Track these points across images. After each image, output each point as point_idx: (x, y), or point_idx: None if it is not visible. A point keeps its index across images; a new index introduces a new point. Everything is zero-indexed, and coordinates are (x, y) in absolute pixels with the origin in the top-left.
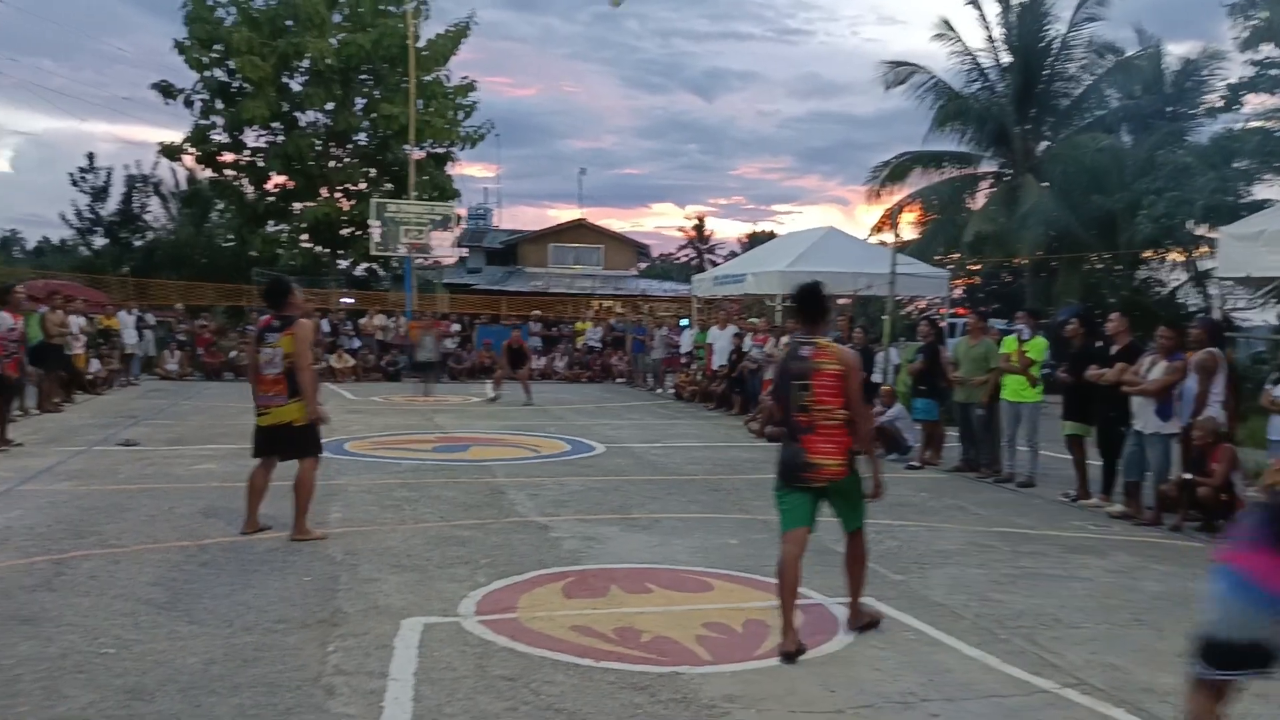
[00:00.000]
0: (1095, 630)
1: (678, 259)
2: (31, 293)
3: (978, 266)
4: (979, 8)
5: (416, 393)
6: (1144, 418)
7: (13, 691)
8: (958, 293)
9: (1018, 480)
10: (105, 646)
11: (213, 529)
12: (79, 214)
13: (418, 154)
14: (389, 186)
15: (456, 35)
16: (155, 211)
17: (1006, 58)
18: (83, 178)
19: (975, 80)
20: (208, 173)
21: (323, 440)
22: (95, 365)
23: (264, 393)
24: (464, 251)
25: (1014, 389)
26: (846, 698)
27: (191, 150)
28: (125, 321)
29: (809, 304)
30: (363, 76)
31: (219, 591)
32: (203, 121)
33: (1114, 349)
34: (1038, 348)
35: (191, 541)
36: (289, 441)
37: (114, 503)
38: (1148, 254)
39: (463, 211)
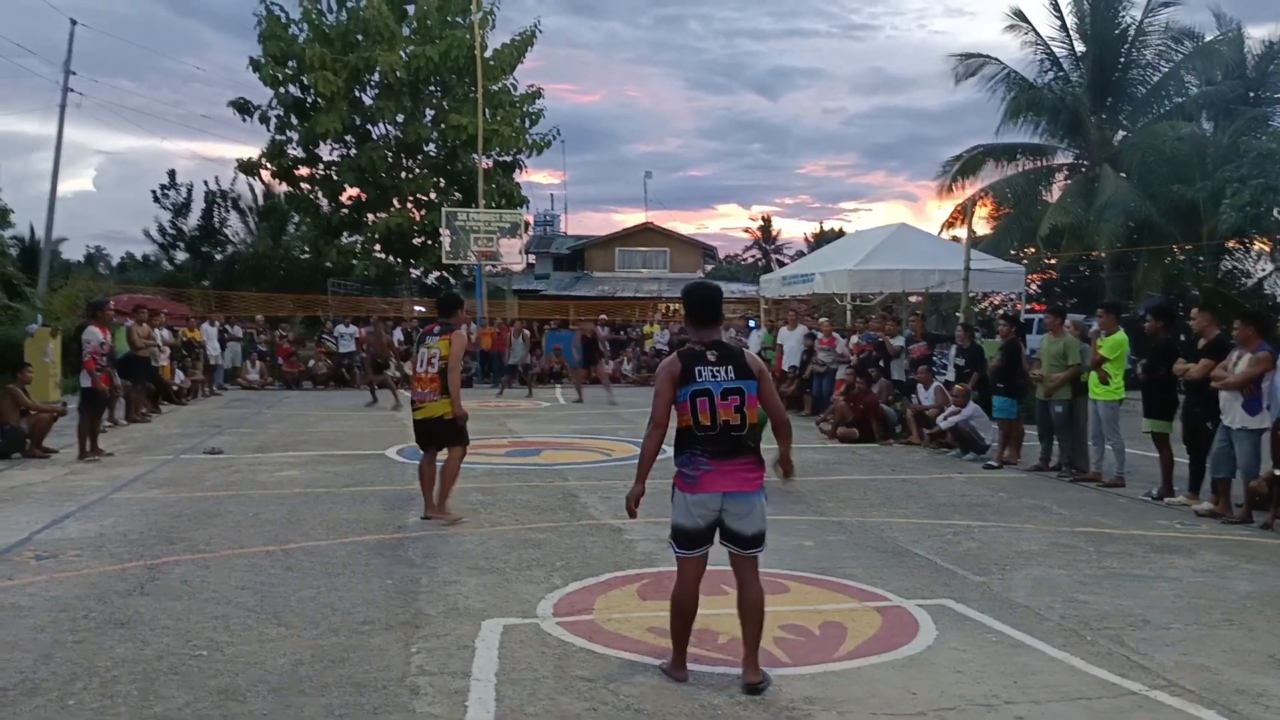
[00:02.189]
0: (1184, 631)
1: (744, 260)
2: (117, 307)
3: (1054, 260)
4: None
5: (509, 394)
6: (1231, 413)
7: (111, 692)
8: (1033, 288)
9: (1104, 479)
10: (198, 648)
11: (296, 534)
12: (161, 229)
13: (486, 163)
14: (458, 196)
15: (522, 44)
16: (234, 226)
17: (1080, 47)
18: (164, 194)
19: (1048, 70)
20: (284, 187)
21: (469, 434)
22: (180, 376)
23: (420, 389)
24: (532, 258)
25: (1090, 386)
26: (929, 700)
27: (268, 165)
28: (208, 333)
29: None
30: (431, 88)
31: (305, 594)
32: (278, 137)
33: (1201, 343)
34: (1112, 345)
35: (276, 546)
36: (441, 433)
37: (202, 509)
38: (1232, 244)
39: (530, 218)
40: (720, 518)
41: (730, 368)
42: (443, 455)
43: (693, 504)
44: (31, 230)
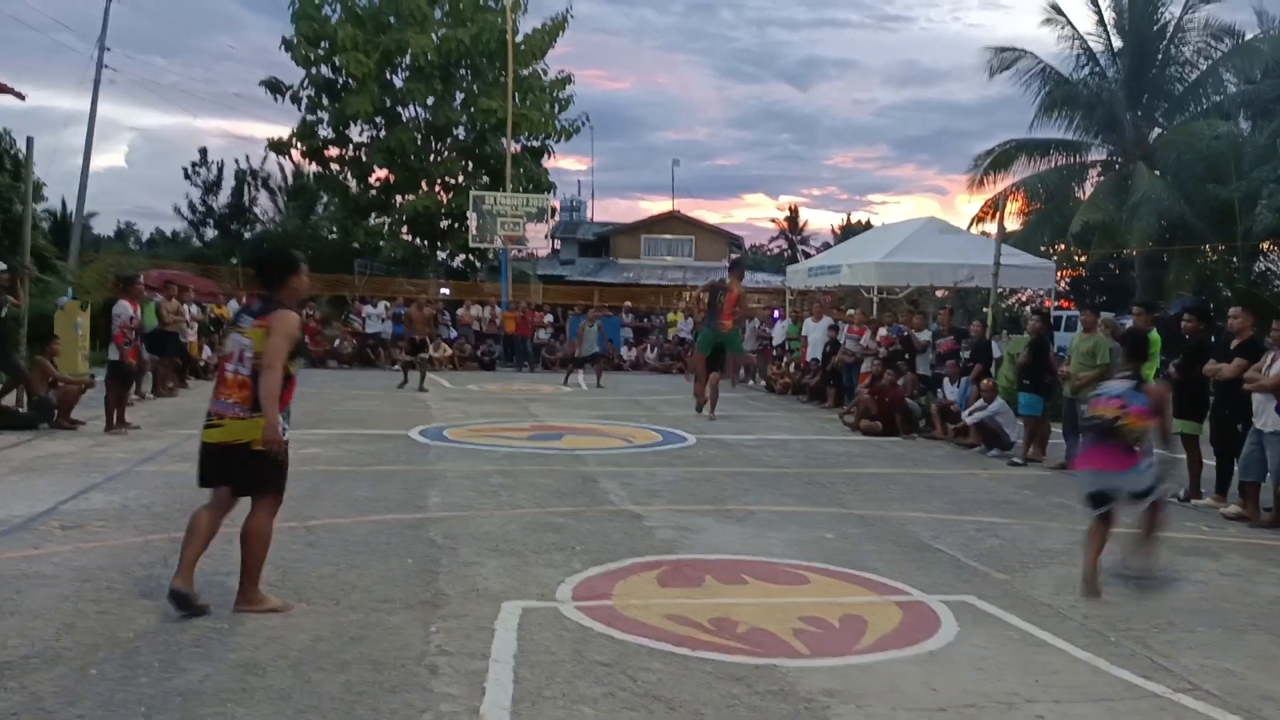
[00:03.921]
0: (1209, 634)
1: (770, 250)
2: (147, 282)
3: (1084, 258)
4: None
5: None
6: (1264, 415)
7: (133, 664)
8: (1063, 285)
9: None
10: (219, 621)
11: (318, 511)
12: (191, 206)
13: (514, 147)
14: (486, 180)
15: (554, 29)
16: (264, 204)
17: (1118, 42)
18: (195, 172)
19: (1084, 65)
20: (314, 167)
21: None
22: (207, 352)
23: (222, 397)
24: (557, 243)
25: None
26: (949, 696)
27: (298, 145)
28: (235, 310)
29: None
30: (462, 71)
31: (325, 571)
32: (309, 117)
33: (1234, 343)
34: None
35: (298, 523)
36: (242, 469)
37: None
38: (1266, 245)
39: (557, 204)
40: (1102, 489)
41: (1132, 383)
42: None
43: (1079, 477)
44: (63, 204)
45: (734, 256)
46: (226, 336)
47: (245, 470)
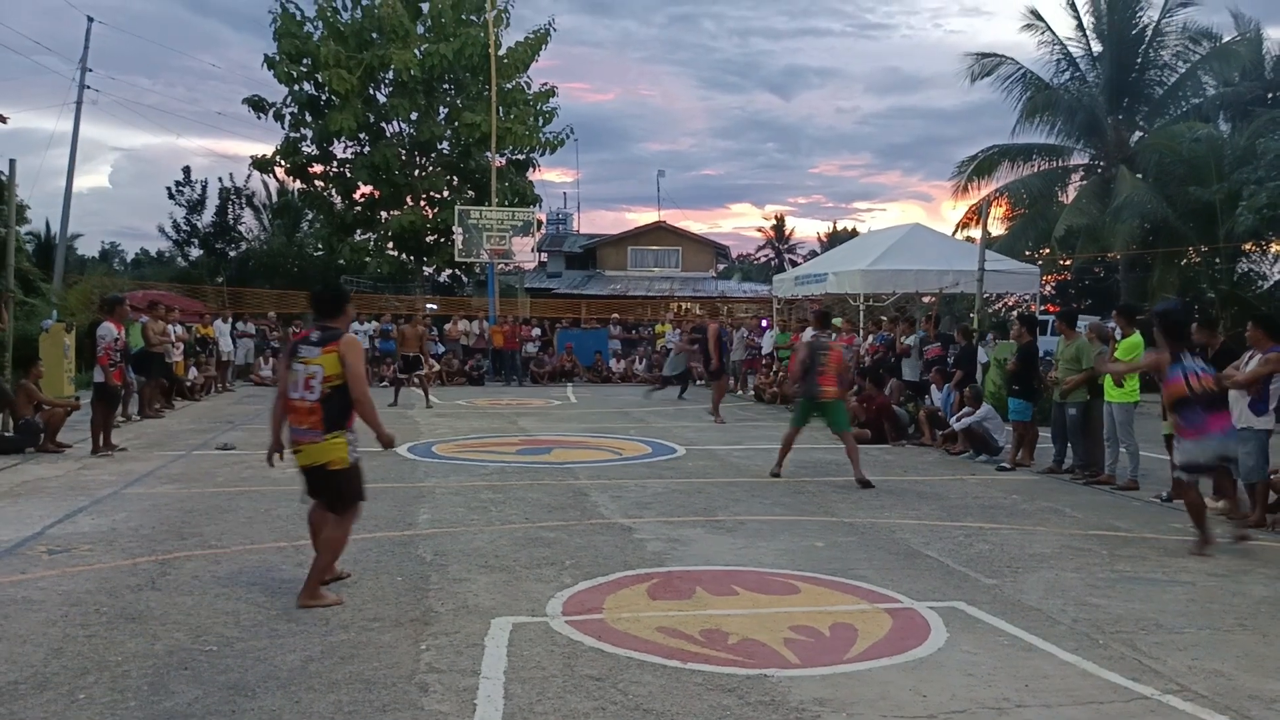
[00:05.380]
0: (1197, 635)
1: (757, 259)
2: (132, 303)
3: (1069, 262)
4: None
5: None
6: (1237, 412)
7: (121, 687)
8: (1048, 289)
9: (1118, 482)
10: (209, 644)
11: (307, 530)
12: (176, 226)
13: (499, 161)
14: (471, 194)
15: (536, 42)
16: (249, 223)
17: (1097, 46)
18: (179, 191)
19: (1065, 70)
20: (298, 184)
21: (363, 490)
22: (193, 372)
23: (295, 424)
24: (544, 256)
25: (1105, 388)
26: (939, 703)
27: (282, 163)
28: (221, 330)
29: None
30: (445, 86)
31: None
32: (293, 134)
33: (1210, 354)
34: (1127, 347)
35: (288, 542)
36: (325, 488)
37: (214, 505)
38: (1248, 246)
39: (543, 217)
40: (1223, 451)
41: (1200, 358)
42: None
43: (1199, 444)
44: (47, 226)
45: (819, 309)
46: (290, 368)
47: (325, 489)
